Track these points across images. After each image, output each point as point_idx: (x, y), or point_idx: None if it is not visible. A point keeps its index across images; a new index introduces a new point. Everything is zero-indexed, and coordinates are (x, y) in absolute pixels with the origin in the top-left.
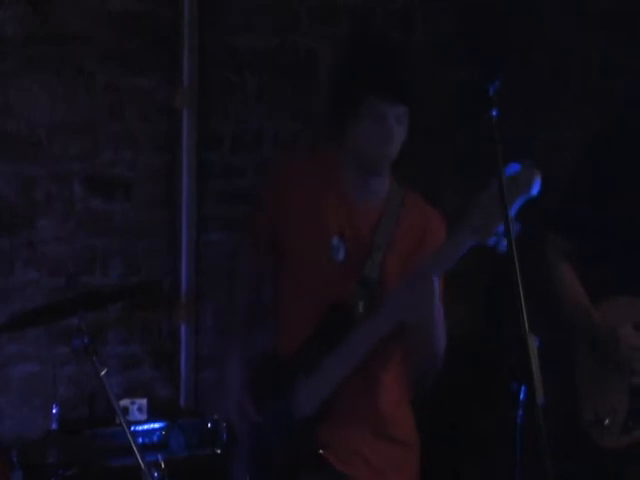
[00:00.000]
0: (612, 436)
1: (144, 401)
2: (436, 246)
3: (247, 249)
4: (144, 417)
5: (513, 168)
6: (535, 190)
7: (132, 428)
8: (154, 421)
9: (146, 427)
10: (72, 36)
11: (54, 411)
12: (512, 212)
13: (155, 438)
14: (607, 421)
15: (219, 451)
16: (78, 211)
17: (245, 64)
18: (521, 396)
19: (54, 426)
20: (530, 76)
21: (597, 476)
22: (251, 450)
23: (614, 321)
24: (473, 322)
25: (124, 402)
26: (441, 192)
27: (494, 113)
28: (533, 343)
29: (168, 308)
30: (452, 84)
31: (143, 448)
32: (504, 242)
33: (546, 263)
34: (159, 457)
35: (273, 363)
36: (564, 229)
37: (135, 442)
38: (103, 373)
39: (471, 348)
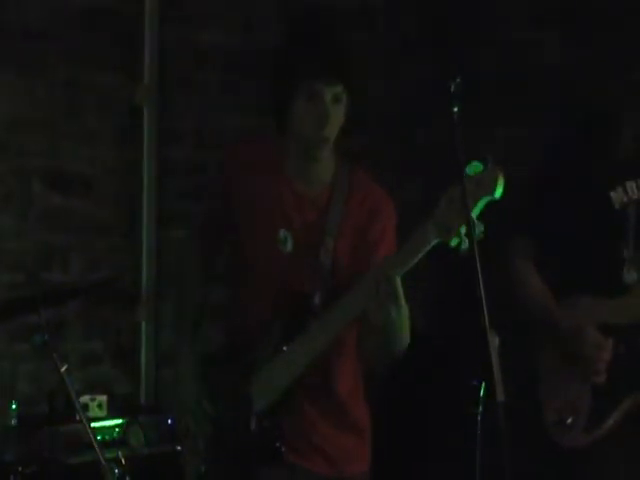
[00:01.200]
0: (574, 435)
1: (104, 398)
2: (384, 226)
3: (198, 237)
4: (104, 414)
5: (475, 167)
6: (499, 192)
7: (92, 425)
8: (114, 418)
9: (106, 424)
10: (32, 32)
11: (13, 407)
12: (475, 213)
13: (115, 435)
14: (569, 420)
15: (179, 448)
16: (37, 207)
17: (206, 60)
18: (481, 393)
19: (13, 422)
20: (489, 73)
21: (557, 474)
22: (207, 442)
23: (578, 321)
24: (434, 319)
25: (84, 399)
26: (402, 190)
27: (455, 110)
28: (494, 341)
29: (128, 305)
30: (414, 82)
31: (103, 445)
32: (466, 242)
33: (510, 263)
34: (119, 454)
35: (228, 353)
36: (529, 230)
37: (95, 439)
38: (63, 370)
39: (431, 346)
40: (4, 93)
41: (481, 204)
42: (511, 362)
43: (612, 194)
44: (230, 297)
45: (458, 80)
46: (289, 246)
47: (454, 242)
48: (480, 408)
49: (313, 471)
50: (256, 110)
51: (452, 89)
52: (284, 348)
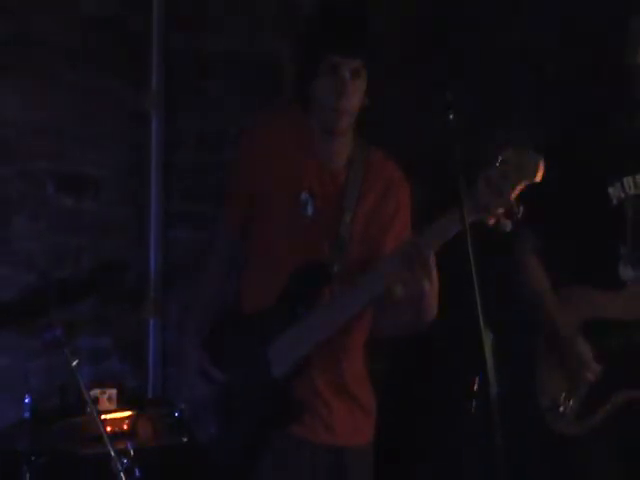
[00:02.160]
0: (566, 422)
1: (114, 391)
2: (398, 202)
3: (222, 229)
4: (113, 407)
5: (510, 154)
6: (539, 175)
7: (102, 417)
8: (123, 410)
9: (115, 416)
10: (44, 40)
11: (26, 401)
12: (515, 192)
13: (124, 427)
14: (562, 408)
15: (185, 439)
16: (50, 209)
17: (210, 68)
18: (476, 386)
19: (26, 415)
20: (489, 79)
21: (548, 459)
22: (219, 407)
23: (573, 315)
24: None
25: (94, 392)
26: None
27: (451, 116)
28: (488, 337)
29: (136, 303)
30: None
31: (113, 436)
32: (506, 224)
33: (516, 257)
34: (128, 445)
35: (241, 321)
36: (533, 227)
37: (105, 431)
38: (74, 364)
39: (430, 343)
40: (18, 99)
41: (520, 187)
42: (511, 349)
43: (610, 190)
44: (247, 266)
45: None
46: (310, 210)
47: (491, 222)
48: (475, 398)
49: (317, 442)
50: (254, 116)
51: (448, 98)
52: (306, 316)
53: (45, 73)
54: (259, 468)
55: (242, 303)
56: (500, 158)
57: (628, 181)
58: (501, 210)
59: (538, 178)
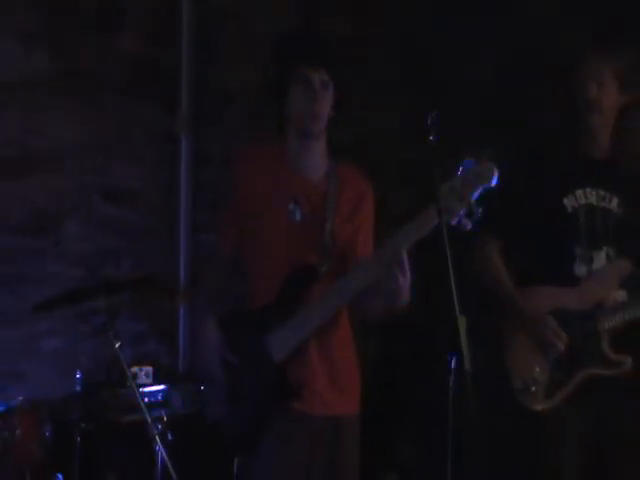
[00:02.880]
0: (538, 401)
1: (150, 368)
2: (368, 207)
3: (219, 245)
4: (150, 381)
5: (468, 164)
6: (494, 181)
7: (140, 390)
8: (158, 384)
9: (151, 389)
10: (91, 72)
11: (77, 377)
12: (474, 197)
13: (159, 398)
14: (533, 389)
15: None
16: (96, 216)
17: (233, 96)
18: (452, 364)
19: (77, 389)
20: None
21: (524, 433)
22: (229, 390)
23: (538, 309)
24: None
25: (134, 369)
26: (391, 200)
27: (432, 138)
28: (463, 322)
29: (169, 294)
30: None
31: (149, 406)
32: (466, 223)
33: (480, 257)
34: (162, 413)
35: (246, 316)
36: (494, 230)
37: (143, 401)
38: (117, 346)
39: (413, 325)
40: (70, 123)
41: (479, 191)
42: (482, 338)
43: (565, 200)
44: (245, 272)
45: (434, 114)
46: (297, 216)
47: (454, 222)
48: (452, 375)
49: (314, 414)
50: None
51: (430, 121)
52: (300, 309)
53: (92, 101)
54: (265, 440)
55: (248, 301)
56: (461, 168)
57: (580, 193)
58: (463, 212)
59: (493, 183)
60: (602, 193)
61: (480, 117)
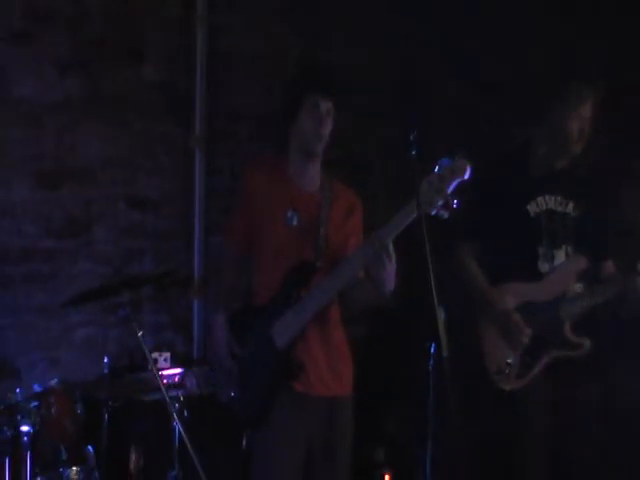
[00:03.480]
0: (511, 381)
1: (168, 354)
2: (358, 217)
3: (228, 245)
4: (168, 365)
5: (444, 161)
6: (467, 175)
7: (160, 373)
8: (175, 368)
9: (170, 372)
10: (118, 96)
11: (105, 361)
12: (450, 190)
13: (176, 380)
14: (507, 371)
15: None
16: (122, 221)
17: (241, 116)
18: (432, 351)
19: (105, 372)
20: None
21: (499, 410)
22: (239, 375)
23: (508, 304)
24: (401, 298)
25: (154, 355)
26: (375, 209)
27: (413, 152)
28: (441, 313)
29: (185, 289)
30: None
31: (167, 387)
32: (443, 213)
33: (459, 260)
34: (179, 393)
35: (253, 311)
36: (467, 235)
37: (162, 383)
38: (140, 334)
39: (398, 316)
40: (99, 140)
41: (454, 184)
42: (460, 328)
43: (528, 206)
44: (251, 270)
45: (415, 132)
46: (295, 221)
47: (433, 213)
48: (431, 361)
49: (314, 395)
50: (274, 152)
51: (411, 138)
52: (299, 300)
53: (118, 121)
54: (270, 418)
55: (254, 296)
56: (438, 166)
57: (541, 200)
58: (441, 203)
59: (467, 176)
60: (560, 199)
61: (461, 132)
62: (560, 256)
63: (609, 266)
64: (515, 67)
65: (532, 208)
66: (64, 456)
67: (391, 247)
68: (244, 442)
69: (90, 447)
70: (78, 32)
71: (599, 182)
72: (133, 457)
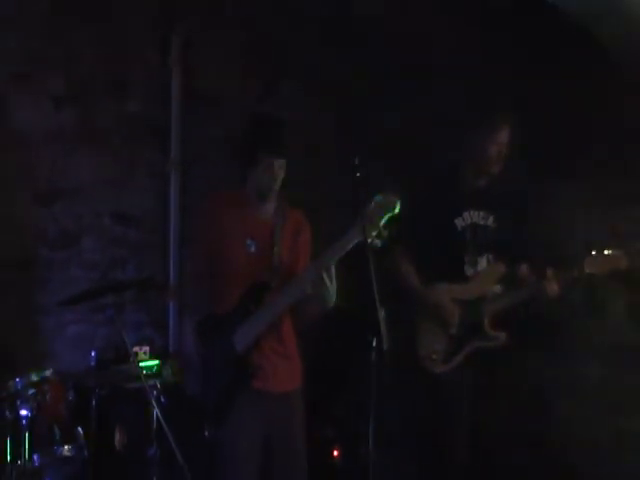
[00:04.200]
0: (438, 365)
1: (147, 348)
2: (306, 237)
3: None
4: (147, 358)
5: (377, 197)
6: (397, 209)
7: (140, 364)
8: (153, 360)
9: (148, 364)
10: (104, 127)
11: (92, 354)
12: (382, 222)
13: (154, 370)
14: (434, 356)
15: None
16: (108, 234)
17: (210, 144)
18: (374, 344)
19: (92, 364)
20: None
21: (428, 391)
22: (203, 374)
23: (438, 297)
24: (347, 298)
25: (135, 349)
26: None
27: (358, 174)
28: (382, 312)
29: (162, 293)
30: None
31: (146, 376)
32: (377, 242)
33: (396, 264)
34: (156, 382)
35: (215, 319)
36: (404, 243)
37: (142, 373)
38: (123, 331)
39: (345, 315)
40: (89, 164)
41: (386, 218)
42: (397, 320)
43: (456, 221)
44: (212, 287)
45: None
46: (253, 249)
47: (369, 241)
48: (373, 353)
49: (269, 391)
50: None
51: (356, 162)
52: (256, 312)
53: (105, 148)
54: (232, 411)
55: (216, 308)
56: (373, 200)
57: (466, 214)
58: (374, 233)
59: (396, 211)
60: (482, 213)
61: (397, 158)
62: (482, 263)
63: (526, 270)
64: (445, 101)
65: (459, 222)
66: (58, 436)
67: (333, 270)
68: (206, 432)
69: (80, 428)
70: (71, 71)
71: (515, 198)
72: (117, 436)
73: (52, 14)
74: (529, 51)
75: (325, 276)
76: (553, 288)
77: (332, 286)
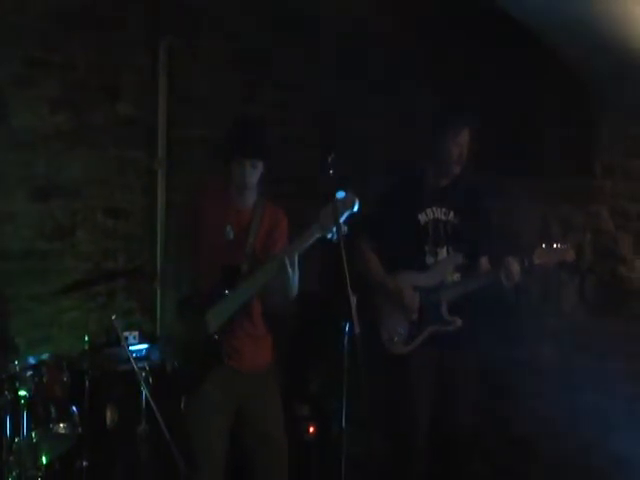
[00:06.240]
0: (399, 347)
1: (137, 333)
2: (283, 230)
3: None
4: (137, 342)
5: (341, 194)
6: (355, 208)
7: (130, 348)
8: (142, 344)
9: (137, 347)
10: (97, 128)
11: (86, 339)
12: (342, 219)
13: (143, 353)
14: (395, 339)
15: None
16: (100, 227)
17: (195, 144)
18: (346, 328)
19: (86, 347)
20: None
21: (389, 371)
22: (178, 348)
23: (400, 285)
24: (322, 286)
25: (126, 333)
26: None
27: (331, 171)
28: (353, 299)
29: (150, 281)
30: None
31: (136, 359)
32: (336, 236)
33: (363, 254)
34: (145, 364)
35: (193, 299)
36: (369, 233)
37: (131, 356)
38: (114, 317)
39: (320, 301)
40: (82, 163)
41: (346, 215)
42: (361, 307)
43: (419, 215)
44: (194, 267)
45: (332, 157)
46: (231, 235)
47: (329, 236)
48: (345, 336)
49: (241, 369)
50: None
51: (329, 160)
52: (228, 295)
53: (97, 147)
54: (202, 386)
55: (197, 288)
56: (334, 199)
57: (429, 210)
58: (333, 229)
59: (355, 209)
60: (444, 210)
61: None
62: (442, 253)
63: (484, 261)
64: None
65: (422, 217)
66: (54, 415)
67: (295, 261)
68: (182, 405)
69: (74, 407)
70: (66, 76)
71: (474, 195)
72: (109, 415)
73: (49, 24)
74: (480, 52)
75: (288, 265)
76: (509, 277)
77: (294, 276)
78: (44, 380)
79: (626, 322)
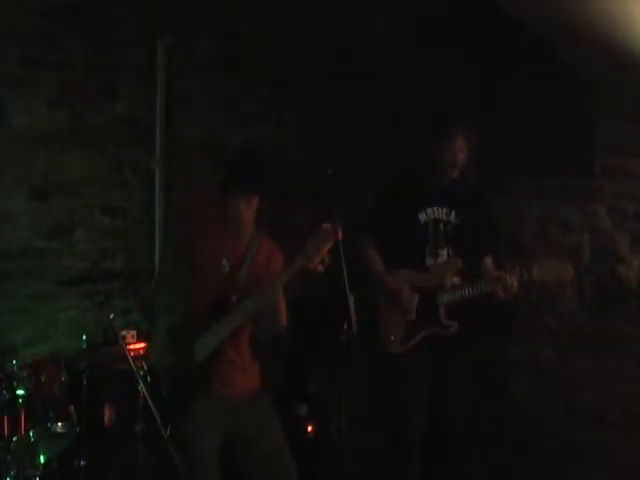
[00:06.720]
0: (396, 346)
1: (134, 331)
2: (278, 264)
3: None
4: (134, 341)
5: (324, 227)
6: (337, 240)
7: (128, 347)
8: (140, 343)
9: (135, 346)
10: (95, 127)
11: (84, 338)
12: (325, 250)
13: (141, 352)
14: (392, 338)
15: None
16: (98, 226)
17: (192, 143)
18: (345, 328)
19: (84, 346)
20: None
21: (385, 368)
22: (170, 377)
23: (399, 284)
24: (323, 289)
25: (124, 332)
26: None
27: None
28: (352, 299)
29: (147, 281)
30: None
31: (134, 358)
32: (320, 268)
33: (364, 252)
34: (143, 363)
35: (183, 328)
36: (369, 232)
37: (129, 355)
38: (112, 316)
39: (320, 302)
40: (80, 162)
41: (328, 247)
42: (362, 306)
43: (419, 215)
44: (187, 298)
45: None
46: (227, 269)
47: (312, 266)
48: (345, 337)
49: (229, 396)
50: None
51: (329, 172)
52: (216, 324)
53: (95, 146)
54: (195, 412)
55: (188, 315)
56: (318, 231)
57: (429, 210)
58: (318, 259)
59: (336, 241)
60: (445, 210)
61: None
62: (443, 255)
63: (488, 262)
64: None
65: (423, 217)
66: (51, 414)
67: (281, 291)
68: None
69: (72, 406)
70: (64, 76)
71: (475, 195)
72: (106, 414)
73: (48, 24)
74: (480, 52)
75: (275, 297)
76: (508, 291)
77: (282, 305)
78: (42, 379)
79: (624, 321)
